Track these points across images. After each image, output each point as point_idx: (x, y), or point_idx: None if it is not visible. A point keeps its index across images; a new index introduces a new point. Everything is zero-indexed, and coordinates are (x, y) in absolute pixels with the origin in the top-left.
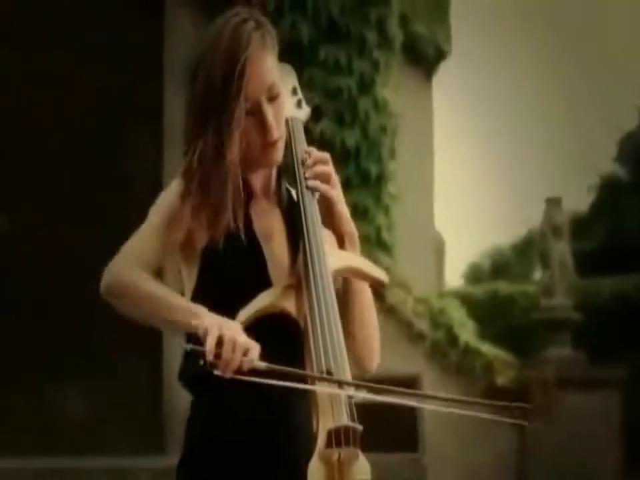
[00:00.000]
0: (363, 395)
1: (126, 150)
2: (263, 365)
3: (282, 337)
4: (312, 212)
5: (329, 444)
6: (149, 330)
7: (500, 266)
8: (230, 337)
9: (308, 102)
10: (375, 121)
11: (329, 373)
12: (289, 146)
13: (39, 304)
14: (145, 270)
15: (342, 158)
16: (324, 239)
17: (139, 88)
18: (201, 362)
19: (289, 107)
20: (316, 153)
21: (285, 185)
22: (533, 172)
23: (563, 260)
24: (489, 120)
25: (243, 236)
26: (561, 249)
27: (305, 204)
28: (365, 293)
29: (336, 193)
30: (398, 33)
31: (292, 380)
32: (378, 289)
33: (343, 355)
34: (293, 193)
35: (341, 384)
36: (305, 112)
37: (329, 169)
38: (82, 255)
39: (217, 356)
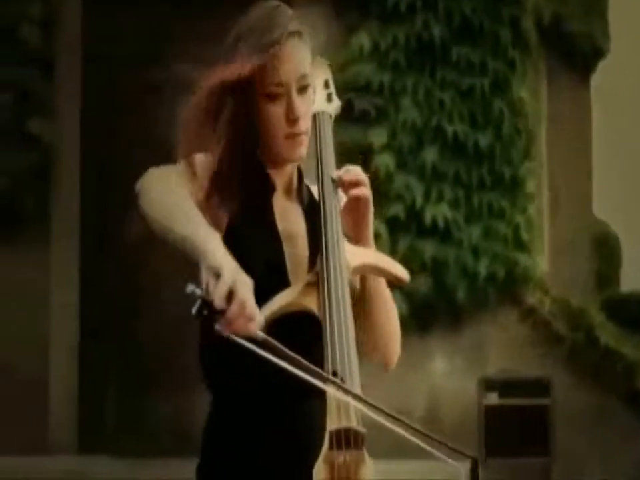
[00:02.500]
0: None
1: None
2: (261, 334)
3: (304, 335)
4: (332, 209)
5: (330, 446)
6: None
7: None
8: (242, 296)
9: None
10: (509, 121)
11: (334, 373)
12: (314, 139)
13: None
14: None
15: (475, 159)
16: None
17: None
18: (203, 310)
19: (318, 101)
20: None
21: (306, 183)
22: None
23: None
24: None
25: (264, 231)
26: None
27: (325, 200)
28: (381, 291)
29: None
30: (533, 31)
31: (290, 363)
32: (399, 286)
33: (351, 356)
34: (314, 189)
35: (340, 389)
36: (334, 106)
37: (361, 177)
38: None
39: (221, 313)
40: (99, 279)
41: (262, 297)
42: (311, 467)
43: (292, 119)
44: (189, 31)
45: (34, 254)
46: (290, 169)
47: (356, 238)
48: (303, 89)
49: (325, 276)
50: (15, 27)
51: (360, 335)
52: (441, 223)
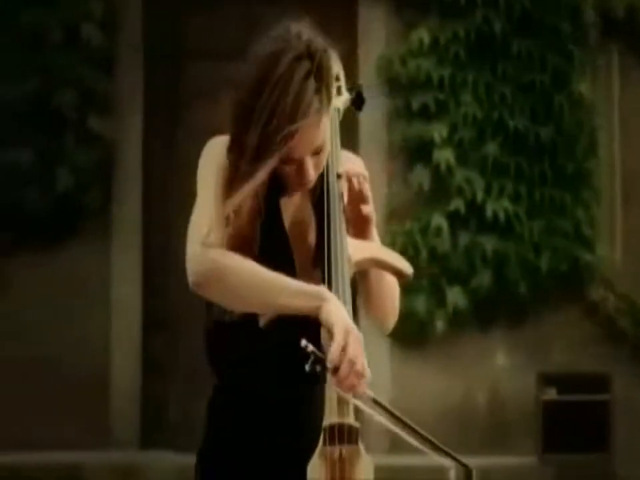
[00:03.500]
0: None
1: None
2: (370, 394)
3: (309, 331)
4: (335, 203)
5: (325, 441)
6: None
7: None
8: (352, 354)
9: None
10: (570, 116)
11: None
12: None
13: None
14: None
15: (537, 153)
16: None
17: None
18: (318, 368)
19: None
20: (353, 170)
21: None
22: None
23: None
24: None
25: (269, 228)
26: None
27: (329, 194)
28: (381, 276)
29: (372, 211)
30: (596, 24)
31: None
32: (402, 280)
33: None
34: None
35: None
36: (343, 99)
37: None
38: None
39: (333, 372)
40: (162, 273)
41: None
42: (312, 451)
43: (303, 178)
44: (251, 27)
45: (96, 249)
46: None
47: (359, 232)
48: (318, 152)
49: (327, 270)
50: (76, 25)
51: (369, 309)
52: (502, 218)
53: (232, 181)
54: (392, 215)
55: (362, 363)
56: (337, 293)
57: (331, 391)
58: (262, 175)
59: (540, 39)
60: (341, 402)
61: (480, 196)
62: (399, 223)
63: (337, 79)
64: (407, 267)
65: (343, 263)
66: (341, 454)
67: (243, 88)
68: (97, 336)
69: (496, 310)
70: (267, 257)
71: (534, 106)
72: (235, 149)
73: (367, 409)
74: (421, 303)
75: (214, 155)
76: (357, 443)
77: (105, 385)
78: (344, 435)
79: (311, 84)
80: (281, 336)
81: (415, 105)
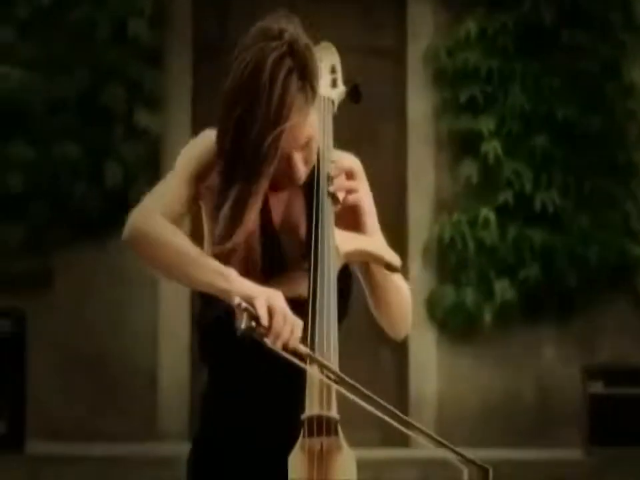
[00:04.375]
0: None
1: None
2: (305, 349)
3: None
4: (324, 195)
5: (304, 433)
6: None
7: None
8: (281, 308)
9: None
10: (620, 106)
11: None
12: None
13: None
14: (171, 220)
15: (586, 144)
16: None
17: (382, 85)
18: (253, 324)
19: (323, 86)
20: (341, 164)
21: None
22: None
23: None
24: None
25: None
26: None
27: (319, 186)
28: (390, 278)
29: (365, 201)
30: None
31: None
32: (392, 272)
33: (331, 338)
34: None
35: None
36: (338, 91)
37: (353, 183)
38: None
39: (267, 327)
40: None
41: (261, 284)
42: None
43: (292, 173)
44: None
45: None
46: None
47: (353, 224)
48: (306, 145)
49: (313, 261)
50: (125, 21)
51: (376, 314)
52: (550, 210)
53: (223, 190)
54: (440, 207)
55: (291, 314)
56: (321, 282)
57: (312, 382)
58: (260, 193)
59: (590, 29)
60: (322, 393)
61: (528, 188)
62: (447, 215)
63: (333, 70)
64: (396, 260)
65: (329, 254)
66: (321, 446)
67: (227, 92)
68: (146, 330)
69: (544, 302)
70: (256, 253)
71: (583, 96)
72: (222, 155)
73: (348, 394)
74: (468, 296)
75: (195, 145)
76: (336, 434)
77: (153, 378)
78: (323, 426)
79: (294, 83)
80: None
81: (463, 97)
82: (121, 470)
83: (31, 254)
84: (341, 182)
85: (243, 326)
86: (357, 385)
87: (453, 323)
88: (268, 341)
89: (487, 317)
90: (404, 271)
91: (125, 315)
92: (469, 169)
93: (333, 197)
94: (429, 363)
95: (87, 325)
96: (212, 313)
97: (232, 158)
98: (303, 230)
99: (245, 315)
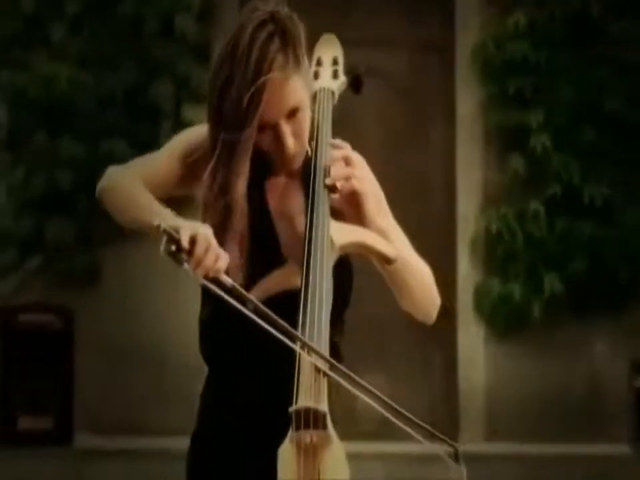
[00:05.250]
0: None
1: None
2: (229, 280)
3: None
4: (320, 187)
5: (293, 426)
6: (442, 319)
7: None
8: (204, 236)
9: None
10: None
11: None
12: (313, 117)
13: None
14: (148, 186)
15: (635, 136)
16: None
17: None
18: (173, 247)
19: (324, 77)
20: (337, 152)
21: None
22: None
23: None
24: None
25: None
26: None
27: (316, 177)
28: (408, 264)
29: (363, 186)
30: None
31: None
32: (388, 264)
33: (321, 333)
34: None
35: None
36: (338, 82)
37: (350, 170)
38: None
39: (189, 253)
40: None
41: (258, 277)
42: None
43: (282, 147)
44: (346, 14)
45: None
46: None
47: (354, 210)
48: (293, 114)
49: (306, 253)
50: (172, 16)
51: (399, 301)
52: (599, 203)
53: (213, 146)
54: (488, 200)
55: (216, 245)
56: (314, 273)
57: (303, 374)
58: (246, 144)
59: (638, 20)
60: (312, 386)
61: (577, 180)
62: (495, 208)
63: (335, 62)
64: (392, 252)
65: (323, 246)
66: (311, 440)
67: (214, 64)
68: (193, 324)
69: (592, 296)
70: (252, 238)
71: (632, 88)
72: (211, 118)
73: (340, 380)
74: (517, 289)
75: (190, 130)
76: (325, 428)
77: (200, 372)
78: (309, 420)
79: (275, 43)
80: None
81: (511, 90)
82: (168, 464)
83: (79, 250)
84: (338, 170)
85: (161, 248)
86: (348, 372)
87: (501, 317)
88: (188, 268)
89: (536, 310)
90: (452, 264)
91: (172, 310)
92: (517, 162)
93: (332, 187)
94: (477, 357)
95: (134, 319)
96: (209, 310)
97: (218, 117)
98: (299, 221)
99: (164, 237)
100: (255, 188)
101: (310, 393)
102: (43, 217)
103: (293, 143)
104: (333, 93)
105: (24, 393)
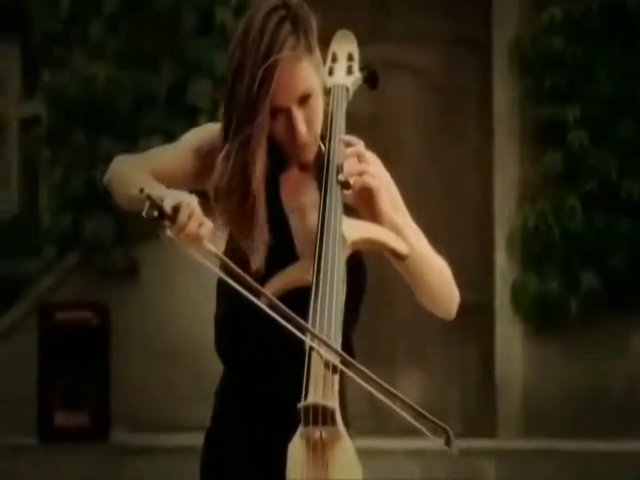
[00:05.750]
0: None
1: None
2: (212, 248)
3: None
4: (333, 182)
5: (303, 422)
6: (479, 315)
7: None
8: (188, 203)
9: None
10: None
11: (310, 347)
12: (327, 114)
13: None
14: (158, 179)
15: None
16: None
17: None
18: (155, 213)
19: (338, 73)
20: (350, 149)
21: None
22: None
23: None
24: None
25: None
26: None
27: (329, 173)
28: (425, 261)
29: (376, 182)
30: None
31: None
32: (400, 260)
33: (332, 325)
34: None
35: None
36: (353, 78)
37: (363, 166)
38: None
39: (171, 219)
40: None
41: (271, 273)
42: None
43: (294, 134)
44: (379, 12)
45: None
46: None
47: (367, 206)
48: (305, 100)
49: (317, 249)
50: (210, 10)
51: (418, 298)
52: (636, 198)
53: (226, 133)
54: (524, 196)
55: (199, 212)
56: (325, 270)
57: (314, 370)
58: (261, 130)
59: None
60: (321, 382)
61: (614, 176)
62: (532, 204)
63: (350, 58)
64: (404, 249)
65: (335, 242)
66: (321, 435)
67: (229, 52)
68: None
69: (630, 293)
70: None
71: None
72: (225, 102)
73: (350, 373)
74: (554, 285)
75: (202, 128)
76: (333, 424)
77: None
78: (318, 416)
79: (286, 27)
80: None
81: (547, 84)
82: None
83: (116, 247)
84: (351, 166)
85: (143, 213)
86: (360, 366)
87: (538, 313)
88: (171, 234)
89: (573, 306)
90: (489, 260)
91: (208, 306)
92: (554, 157)
93: (345, 183)
94: (514, 353)
95: (171, 316)
96: (223, 308)
97: (231, 100)
98: (312, 216)
99: (147, 202)
100: (268, 183)
101: (319, 389)
102: (81, 214)
103: (305, 130)
104: (347, 89)
105: (61, 389)
